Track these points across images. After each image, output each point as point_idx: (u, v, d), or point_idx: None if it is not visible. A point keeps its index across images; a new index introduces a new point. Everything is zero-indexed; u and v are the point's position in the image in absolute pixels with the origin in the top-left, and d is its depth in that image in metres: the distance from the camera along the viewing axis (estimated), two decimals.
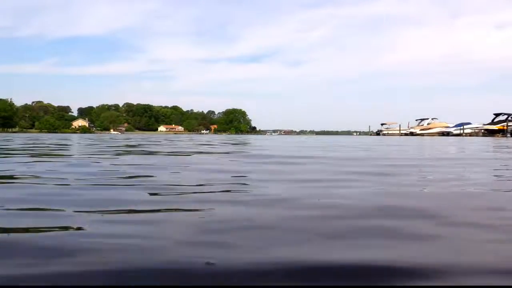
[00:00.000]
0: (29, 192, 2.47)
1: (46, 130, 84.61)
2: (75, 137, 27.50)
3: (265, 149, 10.01)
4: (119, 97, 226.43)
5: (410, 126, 64.78)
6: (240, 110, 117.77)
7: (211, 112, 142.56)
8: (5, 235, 1.51)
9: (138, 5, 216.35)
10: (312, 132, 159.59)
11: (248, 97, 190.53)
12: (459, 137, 45.00)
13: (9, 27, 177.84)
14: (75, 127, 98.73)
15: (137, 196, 2.38)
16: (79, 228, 1.58)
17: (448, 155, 8.09)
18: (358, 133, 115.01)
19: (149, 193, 2.46)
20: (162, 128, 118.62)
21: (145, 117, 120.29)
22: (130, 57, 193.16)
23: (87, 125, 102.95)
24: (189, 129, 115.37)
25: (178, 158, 6.28)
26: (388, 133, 64.46)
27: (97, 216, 1.83)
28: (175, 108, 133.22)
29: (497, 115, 52.35)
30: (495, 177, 3.93)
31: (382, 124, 68.71)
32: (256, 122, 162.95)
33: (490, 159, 6.70)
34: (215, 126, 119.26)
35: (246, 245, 1.38)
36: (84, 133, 76.04)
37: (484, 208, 2.16)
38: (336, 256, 1.27)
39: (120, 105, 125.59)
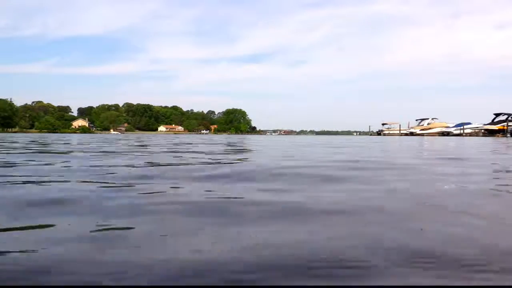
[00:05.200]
0: None
1: (46, 130, 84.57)
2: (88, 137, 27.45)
3: None
4: (119, 97, 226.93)
5: (410, 126, 64.90)
6: (240, 110, 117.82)
7: (211, 112, 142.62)
8: None
9: (138, 5, 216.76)
10: (312, 132, 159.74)
11: (248, 97, 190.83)
12: (459, 137, 45.05)
13: (9, 27, 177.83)
14: (75, 127, 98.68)
15: None
16: None
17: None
18: (358, 133, 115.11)
19: None
20: (162, 128, 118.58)
21: (145, 117, 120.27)
22: (130, 57, 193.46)
23: (87, 125, 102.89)
24: (189, 129, 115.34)
25: None
26: (389, 133, 64.58)
27: None
28: (175, 108, 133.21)
29: (497, 115, 52.40)
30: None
31: (383, 124, 68.81)
32: (256, 122, 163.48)
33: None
34: (215, 126, 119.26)
35: None
36: (84, 133, 76.02)
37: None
38: None
39: (120, 105, 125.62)
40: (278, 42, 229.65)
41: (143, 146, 10.47)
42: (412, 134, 58.81)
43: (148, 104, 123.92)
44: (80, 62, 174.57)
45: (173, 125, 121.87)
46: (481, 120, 56.51)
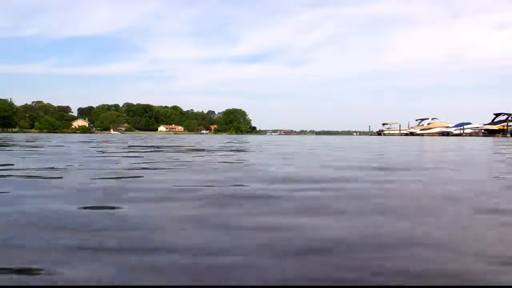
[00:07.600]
0: None
1: (46, 130, 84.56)
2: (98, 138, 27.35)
3: None
4: (119, 97, 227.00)
5: (410, 126, 64.89)
6: (240, 110, 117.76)
7: (211, 112, 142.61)
8: None
9: (138, 5, 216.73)
10: (312, 132, 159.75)
11: (248, 97, 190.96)
12: (459, 137, 45.06)
13: (9, 27, 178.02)
14: (75, 127, 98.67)
15: None
16: None
17: None
18: (358, 133, 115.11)
19: None
20: (162, 128, 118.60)
21: (145, 117, 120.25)
22: (130, 57, 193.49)
23: (87, 125, 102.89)
24: (189, 129, 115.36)
25: None
26: (389, 133, 64.58)
27: None
28: (175, 108, 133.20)
29: (497, 115, 52.38)
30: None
31: (383, 124, 68.79)
32: (256, 122, 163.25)
33: None
34: (215, 126, 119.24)
35: None
36: (84, 133, 75.99)
37: None
38: None
39: (120, 105, 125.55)
40: (278, 42, 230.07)
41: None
42: (412, 134, 58.80)
43: (148, 104, 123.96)
44: (80, 62, 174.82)
45: (173, 125, 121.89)
46: (481, 120, 56.50)
